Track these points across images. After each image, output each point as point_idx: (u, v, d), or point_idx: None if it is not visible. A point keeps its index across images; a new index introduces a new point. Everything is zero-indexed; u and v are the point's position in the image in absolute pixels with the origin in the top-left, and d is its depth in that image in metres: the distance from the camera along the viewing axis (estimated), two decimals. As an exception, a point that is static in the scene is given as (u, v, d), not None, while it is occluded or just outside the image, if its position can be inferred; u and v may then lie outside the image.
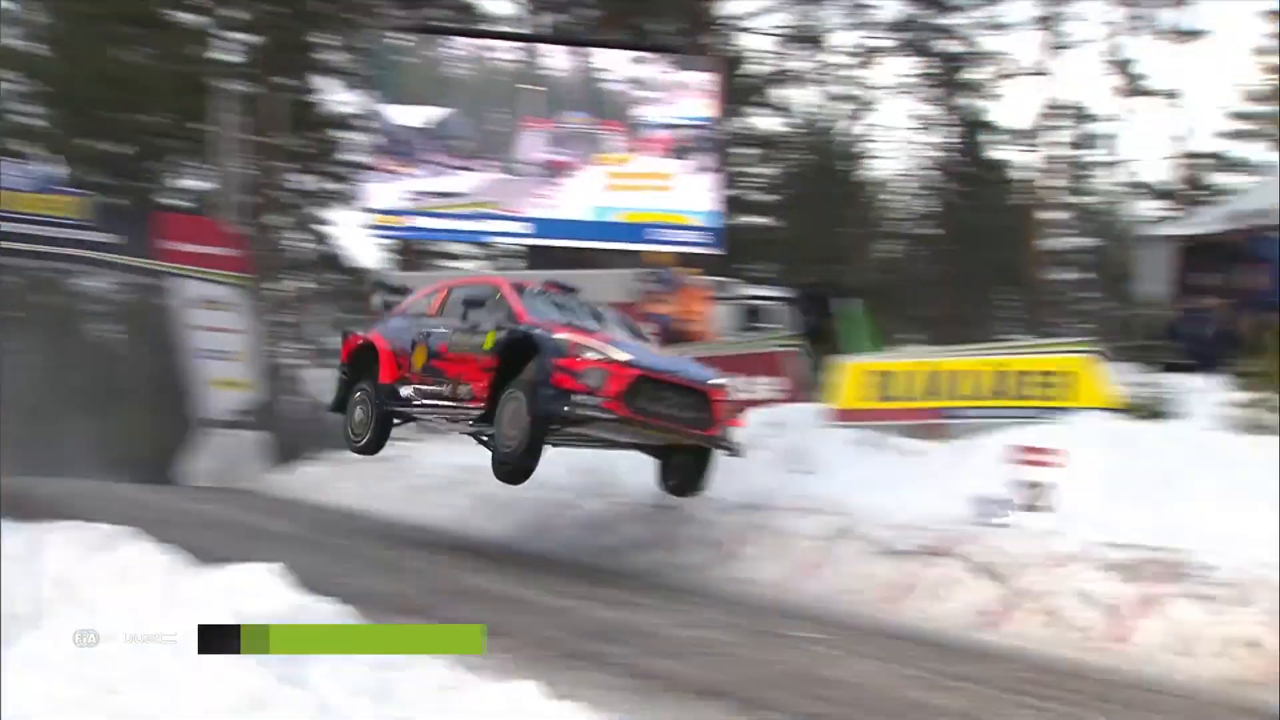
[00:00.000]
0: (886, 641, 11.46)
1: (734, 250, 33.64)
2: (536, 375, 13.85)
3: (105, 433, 42.10)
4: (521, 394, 14.01)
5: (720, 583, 14.67)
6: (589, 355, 13.74)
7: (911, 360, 19.10)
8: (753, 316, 27.61)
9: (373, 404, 16.43)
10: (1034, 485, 14.20)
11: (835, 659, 10.45)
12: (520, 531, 18.29)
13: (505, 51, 32.38)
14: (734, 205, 38.46)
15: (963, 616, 12.53)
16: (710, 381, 14.68)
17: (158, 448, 34.49)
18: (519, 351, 14.26)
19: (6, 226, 29.90)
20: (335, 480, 25.21)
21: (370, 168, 31.86)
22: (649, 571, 15.25)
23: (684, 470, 15.47)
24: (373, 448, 16.80)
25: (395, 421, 16.87)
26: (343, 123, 41.33)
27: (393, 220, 31.83)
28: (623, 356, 13.90)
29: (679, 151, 31.59)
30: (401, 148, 31.30)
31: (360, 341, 16.99)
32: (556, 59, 32.09)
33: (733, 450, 14.93)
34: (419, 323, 16.35)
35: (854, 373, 18.81)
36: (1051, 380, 17.10)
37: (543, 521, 18.23)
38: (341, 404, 17.09)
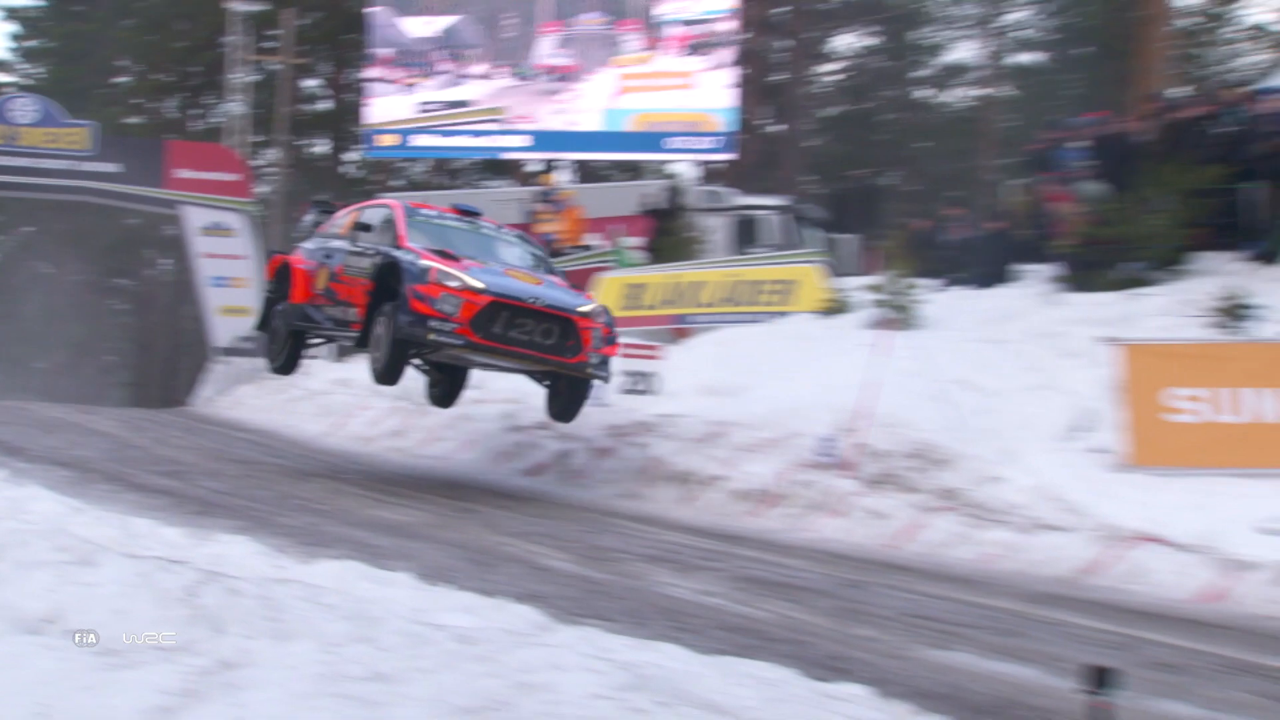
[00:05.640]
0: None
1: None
2: (399, 300, 12.31)
3: (125, 362, 37.94)
4: (387, 317, 12.53)
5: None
6: (448, 282, 12.15)
7: (661, 273, 18.73)
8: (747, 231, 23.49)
9: (285, 323, 14.56)
10: (636, 374, 14.91)
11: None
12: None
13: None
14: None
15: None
16: (578, 309, 12.73)
17: (172, 374, 30.80)
18: (389, 277, 12.60)
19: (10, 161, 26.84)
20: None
21: (378, 80, 27.54)
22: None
23: (560, 396, 13.45)
24: (287, 368, 15.17)
25: (315, 341, 15.29)
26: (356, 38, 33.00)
27: (391, 140, 27.79)
28: (478, 284, 12.24)
29: (698, 47, 25.89)
30: (410, 58, 27.18)
31: (282, 261, 15.02)
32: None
33: (600, 376, 13.02)
34: (328, 244, 14.27)
35: (610, 285, 18.48)
36: (778, 288, 17.29)
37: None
38: (264, 322, 15.19)
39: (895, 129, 38.01)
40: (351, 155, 42.15)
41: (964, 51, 38.85)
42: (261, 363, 25.71)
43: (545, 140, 27.04)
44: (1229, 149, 16.60)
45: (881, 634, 7.64)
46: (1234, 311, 14.19)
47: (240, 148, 30.83)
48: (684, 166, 27.86)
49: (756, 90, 31.73)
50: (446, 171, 38.89)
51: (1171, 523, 10.01)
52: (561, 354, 12.52)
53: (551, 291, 12.79)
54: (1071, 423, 12.57)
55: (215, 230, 28.29)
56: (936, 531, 10.98)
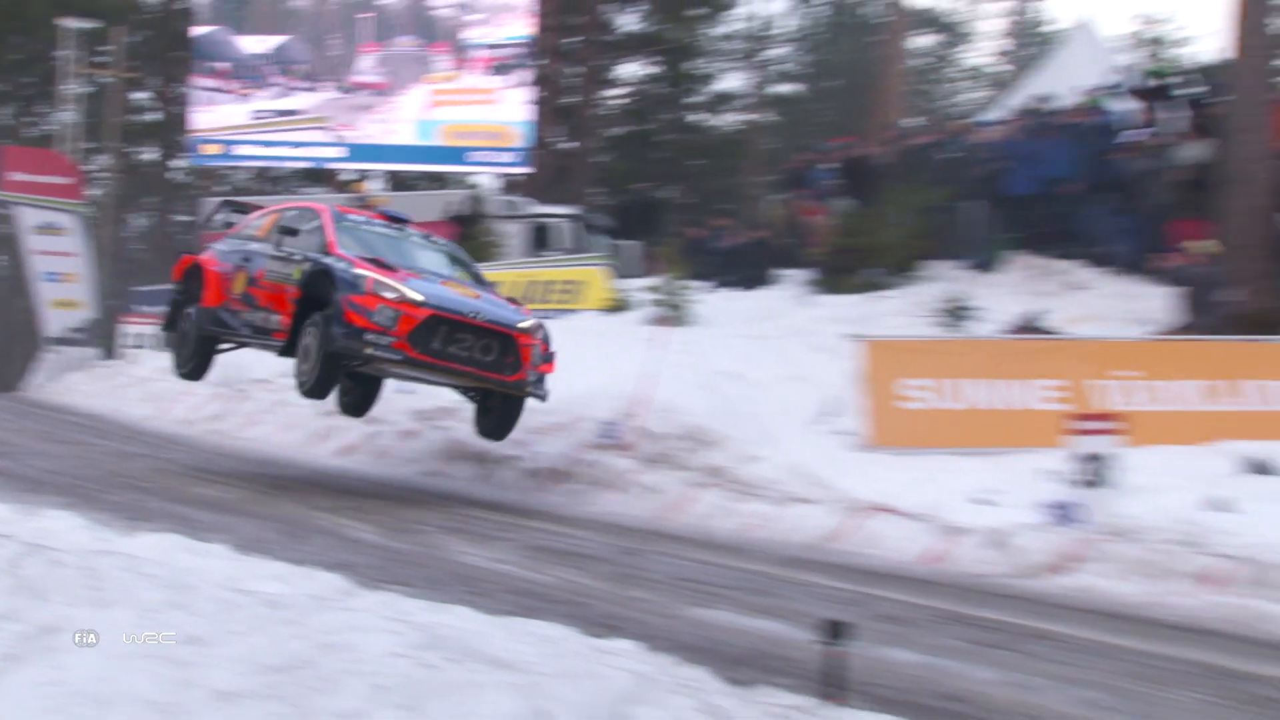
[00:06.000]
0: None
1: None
2: (333, 311, 10.37)
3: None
4: (316, 328, 10.55)
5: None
6: (385, 294, 10.31)
7: None
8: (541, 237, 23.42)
9: (195, 327, 12.20)
10: None
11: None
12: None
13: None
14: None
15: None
16: (518, 325, 10.92)
17: (5, 362, 30.62)
18: (320, 285, 10.65)
19: None
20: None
21: (216, 90, 26.99)
22: None
23: (492, 413, 11.65)
24: (195, 374, 12.60)
25: (223, 346, 12.55)
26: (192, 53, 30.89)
27: (216, 149, 27.66)
28: (417, 296, 10.40)
29: (500, 69, 26.88)
30: (245, 71, 26.97)
31: (192, 262, 12.55)
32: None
33: (538, 395, 11.16)
34: (246, 246, 12.09)
35: None
36: (568, 288, 17.45)
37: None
38: (172, 324, 12.71)
39: (672, 148, 38.29)
40: (180, 162, 40.95)
41: (732, 81, 39.38)
42: (91, 352, 25.49)
43: (359, 152, 27.07)
44: (953, 172, 17.18)
45: (653, 595, 7.72)
46: (956, 312, 14.70)
47: (72, 154, 29.82)
48: (485, 178, 27.84)
49: (551, 111, 31.79)
50: (269, 179, 38.02)
51: (902, 495, 10.28)
52: (501, 371, 10.78)
53: (491, 306, 11.03)
54: (820, 409, 12.87)
55: (48, 229, 27.36)
56: (703, 504, 11.11)
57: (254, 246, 11.91)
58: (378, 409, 13.41)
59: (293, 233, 11.33)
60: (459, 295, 10.92)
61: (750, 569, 8.92)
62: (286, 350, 11.04)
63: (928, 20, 36.16)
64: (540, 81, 28.89)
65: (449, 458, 13.04)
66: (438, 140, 26.77)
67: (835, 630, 4.98)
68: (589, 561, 8.85)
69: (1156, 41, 35.55)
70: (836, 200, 18.28)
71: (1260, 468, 11.12)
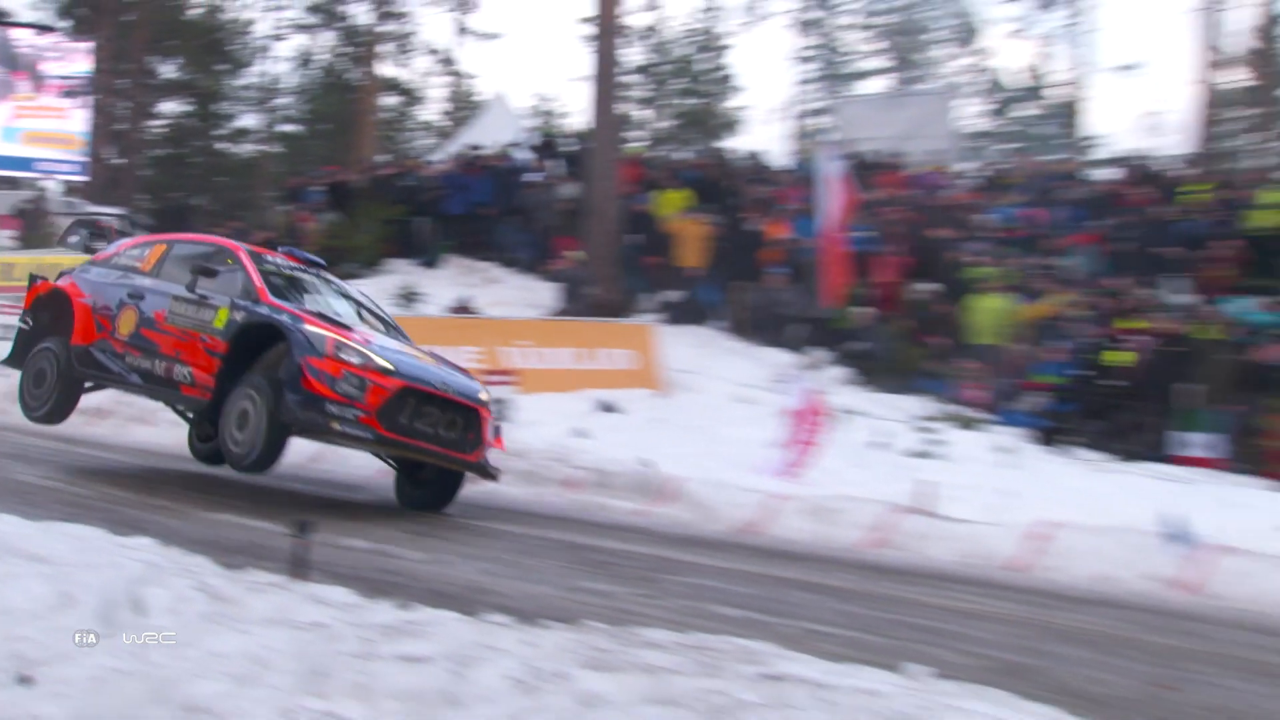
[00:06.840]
0: None
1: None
2: (284, 374, 6.87)
3: None
4: (259, 392, 6.95)
5: None
6: (349, 358, 6.88)
7: (26, 257, 15.82)
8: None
9: (58, 367, 8.17)
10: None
11: None
12: None
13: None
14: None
15: None
16: (479, 396, 7.57)
17: None
18: (258, 340, 7.18)
19: None
20: None
21: None
22: None
23: (424, 487, 8.04)
24: (54, 417, 8.40)
25: (86, 386, 8.41)
26: None
27: None
28: (386, 364, 7.02)
29: (68, 94, 25.62)
30: None
31: (49, 290, 8.43)
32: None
33: (491, 475, 7.78)
34: (130, 280, 8.05)
35: None
36: None
37: None
38: (18, 359, 8.49)
39: (202, 168, 36.54)
40: None
41: (248, 120, 38.02)
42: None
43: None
44: (408, 195, 17.36)
45: (172, 503, 7.28)
46: (410, 297, 14.91)
47: None
48: (50, 182, 25.58)
49: (105, 134, 29.57)
50: None
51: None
52: (462, 450, 7.42)
53: (453, 375, 7.64)
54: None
55: None
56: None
57: (144, 282, 8.03)
58: None
59: (210, 273, 7.59)
60: (423, 363, 7.54)
61: (252, 482, 8.63)
62: (209, 411, 7.47)
63: (393, 86, 36.50)
64: (97, 110, 27.31)
65: (9, 399, 11.69)
66: (19, 143, 25.09)
67: (302, 527, 5.07)
68: (121, 477, 8.27)
69: (548, 113, 37.76)
70: (324, 213, 17.95)
71: (608, 408, 12.11)
